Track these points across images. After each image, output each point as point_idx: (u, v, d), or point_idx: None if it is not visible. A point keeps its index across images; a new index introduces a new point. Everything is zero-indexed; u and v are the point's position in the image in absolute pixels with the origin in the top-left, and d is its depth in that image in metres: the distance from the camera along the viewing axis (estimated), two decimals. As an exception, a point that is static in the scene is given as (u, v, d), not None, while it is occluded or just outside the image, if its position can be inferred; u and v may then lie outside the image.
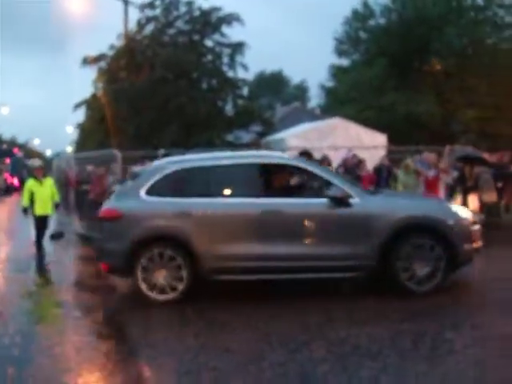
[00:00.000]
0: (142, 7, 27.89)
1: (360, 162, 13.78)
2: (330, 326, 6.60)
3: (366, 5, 36.18)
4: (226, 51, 28.45)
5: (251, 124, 28.86)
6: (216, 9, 28.33)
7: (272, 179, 9.06)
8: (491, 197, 14.93)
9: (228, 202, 8.32)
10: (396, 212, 8.17)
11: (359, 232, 8.03)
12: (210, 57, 28.68)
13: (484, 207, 14.81)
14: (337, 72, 37.76)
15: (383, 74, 32.52)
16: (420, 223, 8.24)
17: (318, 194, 8.41)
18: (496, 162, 15.91)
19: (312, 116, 36.99)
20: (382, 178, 13.89)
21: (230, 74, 28.54)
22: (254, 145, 22.93)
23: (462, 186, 14.64)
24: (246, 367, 5.30)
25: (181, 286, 7.92)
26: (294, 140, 16.96)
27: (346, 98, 33.30)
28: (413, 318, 6.76)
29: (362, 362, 5.35)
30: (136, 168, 10.16)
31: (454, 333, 6.22)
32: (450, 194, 14.50)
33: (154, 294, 7.96)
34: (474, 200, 14.45)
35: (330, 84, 39.16)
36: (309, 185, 9.05)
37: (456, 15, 33.04)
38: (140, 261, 7.96)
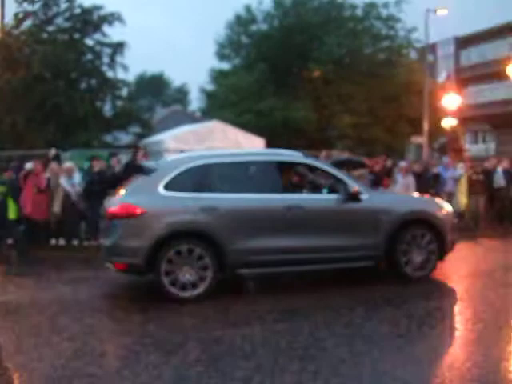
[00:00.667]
0: (20, 1, 26.79)
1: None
2: (204, 327, 6.63)
3: (248, 10, 36.48)
4: (107, 51, 27.84)
5: (130, 125, 28.46)
6: (97, 7, 27.59)
7: (290, 176, 9.74)
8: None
9: (252, 197, 8.45)
10: (400, 207, 9.15)
11: (369, 225, 8.82)
12: (89, 56, 27.95)
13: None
14: (217, 76, 37.87)
15: (263, 79, 32.97)
16: (420, 217, 9.26)
17: (331, 190, 9.08)
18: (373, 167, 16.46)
19: (192, 119, 36.99)
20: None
21: (110, 74, 27.99)
22: (134, 147, 22.65)
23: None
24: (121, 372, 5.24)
25: (205, 283, 7.94)
26: (173, 142, 16.86)
27: (226, 101, 33.43)
28: (286, 318, 6.91)
29: (236, 363, 5.42)
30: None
31: (327, 331, 6.41)
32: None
33: (177, 291, 7.86)
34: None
35: (210, 87, 39.24)
36: (321, 182, 9.51)
37: (336, 25, 34.04)
38: (163, 257, 7.84)
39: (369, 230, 8.80)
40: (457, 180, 17.37)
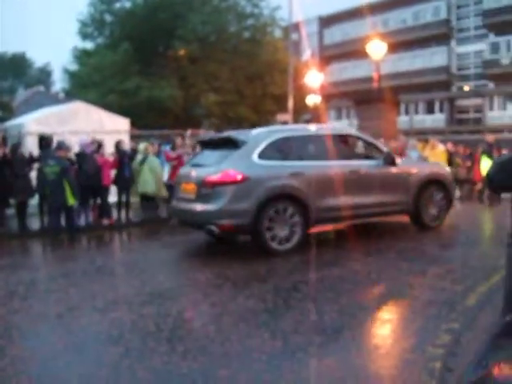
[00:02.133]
0: None
1: (99, 147, 13.62)
2: (71, 315, 6.47)
3: (111, -14, 35.56)
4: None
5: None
6: None
7: (347, 146, 11.69)
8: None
9: (326, 164, 10.11)
10: (423, 170, 11.57)
11: (403, 184, 10.97)
12: None
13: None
14: (80, 55, 36.78)
15: (127, 59, 32.36)
16: (436, 178, 11.62)
17: (373, 157, 11.10)
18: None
19: (55, 100, 35.71)
20: (124, 164, 13.86)
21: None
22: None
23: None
24: None
25: (295, 237, 9.55)
26: (34, 125, 16.18)
27: (89, 81, 32.59)
28: (153, 301, 6.86)
29: (104, 349, 5.34)
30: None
31: (194, 312, 6.43)
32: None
33: (275, 245, 9.41)
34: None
35: (73, 68, 38.03)
36: (366, 150, 11.79)
37: (200, 2, 33.84)
38: (264, 217, 9.25)
39: (402, 188, 10.93)
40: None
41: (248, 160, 9.43)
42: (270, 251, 9.31)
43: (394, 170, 10.89)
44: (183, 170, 10.94)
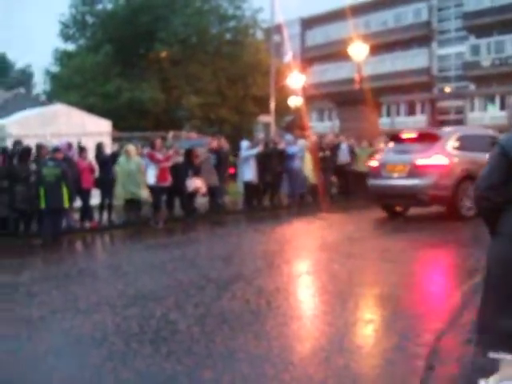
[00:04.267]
0: None
1: (82, 150, 13.58)
2: (54, 317, 6.45)
3: (93, -12, 35.30)
4: None
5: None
6: None
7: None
8: (213, 180, 15.70)
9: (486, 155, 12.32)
10: None
11: None
12: None
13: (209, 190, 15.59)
14: (62, 57, 36.49)
15: (109, 61, 32.18)
16: None
17: None
18: (217, 146, 16.61)
19: (36, 102, 35.34)
20: (107, 166, 13.83)
21: None
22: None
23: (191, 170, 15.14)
24: None
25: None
26: (15, 127, 16.06)
27: (71, 83, 32.35)
28: (137, 302, 6.85)
29: (87, 351, 5.33)
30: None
31: (178, 313, 6.42)
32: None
33: (464, 212, 12.85)
34: (198, 183, 15.08)
35: (55, 69, 37.71)
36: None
37: (182, 4, 33.71)
38: (458, 191, 12.91)
39: None
40: (301, 156, 17.96)
41: (446, 149, 13.33)
42: (460, 216, 12.79)
43: None
44: (386, 157, 14.81)
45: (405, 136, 15.26)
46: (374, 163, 15.07)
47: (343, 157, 19.52)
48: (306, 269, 9.15)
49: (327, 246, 10.77)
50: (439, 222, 13.44)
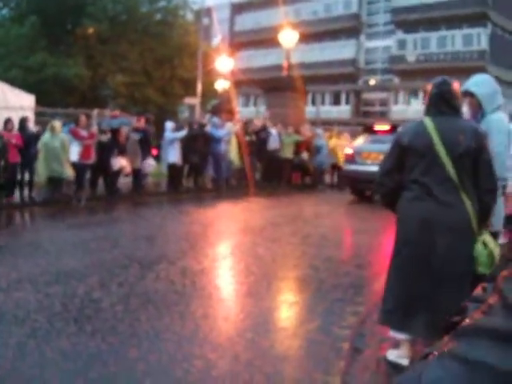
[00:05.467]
0: None
1: (7, 123, 13.18)
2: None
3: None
4: None
5: None
6: None
7: None
8: (137, 161, 15.56)
9: None
10: None
11: None
12: None
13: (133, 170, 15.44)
14: (-16, 27, 35.17)
15: (34, 33, 31.20)
16: None
17: None
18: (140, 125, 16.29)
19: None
20: (29, 142, 13.47)
21: None
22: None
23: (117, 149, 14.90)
24: None
25: None
26: None
27: (-7, 55, 31.27)
28: (59, 280, 6.74)
29: (10, 329, 5.21)
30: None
31: (101, 292, 6.37)
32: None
33: None
34: (123, 162, 14.91)
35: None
36: None
37: (112, -20, 33.02)
38: None
39: None
40: (227, 140, 17.96)
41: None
42: None
43: None
44: (362, 146, 16.37)
45: (378, 128, 17.08)
46: (348, 150, 17.18)
47: (273, 143, 19.64)
48: (230, 251, 9.20)
49: (251, 230, 10.87)
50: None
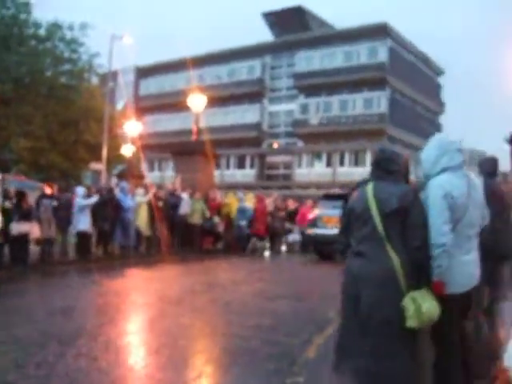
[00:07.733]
0: None
1: None
2: None
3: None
4: None
5: None
6: None
7: None
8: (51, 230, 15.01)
9: None
10: None
11: None
12: None
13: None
14: None
15: None
16: None
17: None
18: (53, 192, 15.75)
19: None
20: None
21: None
22: None
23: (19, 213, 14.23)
24: None
25: None
26: None
27: None
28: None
29: None
30: None
31: (16, 374, 5.85)
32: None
33: None
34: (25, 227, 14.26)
35: None
36: None
37: (16, 42, 32.21)
38: None
39: None
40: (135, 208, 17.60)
41: None
42: None
43: None
44: (322, 211, 18.00)
45: (336, 194, 18.85)
46: (311, 215, 19.09)
47: (183, 208, 19.40)
48: (153, 323, 8.77)
49: (169, 299, 10.43)
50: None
